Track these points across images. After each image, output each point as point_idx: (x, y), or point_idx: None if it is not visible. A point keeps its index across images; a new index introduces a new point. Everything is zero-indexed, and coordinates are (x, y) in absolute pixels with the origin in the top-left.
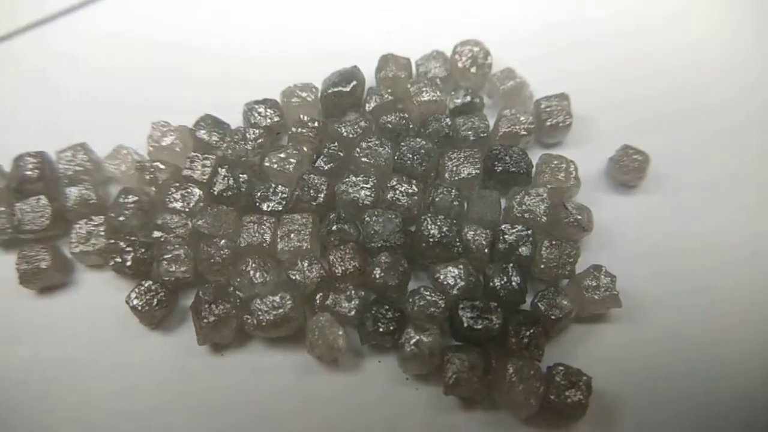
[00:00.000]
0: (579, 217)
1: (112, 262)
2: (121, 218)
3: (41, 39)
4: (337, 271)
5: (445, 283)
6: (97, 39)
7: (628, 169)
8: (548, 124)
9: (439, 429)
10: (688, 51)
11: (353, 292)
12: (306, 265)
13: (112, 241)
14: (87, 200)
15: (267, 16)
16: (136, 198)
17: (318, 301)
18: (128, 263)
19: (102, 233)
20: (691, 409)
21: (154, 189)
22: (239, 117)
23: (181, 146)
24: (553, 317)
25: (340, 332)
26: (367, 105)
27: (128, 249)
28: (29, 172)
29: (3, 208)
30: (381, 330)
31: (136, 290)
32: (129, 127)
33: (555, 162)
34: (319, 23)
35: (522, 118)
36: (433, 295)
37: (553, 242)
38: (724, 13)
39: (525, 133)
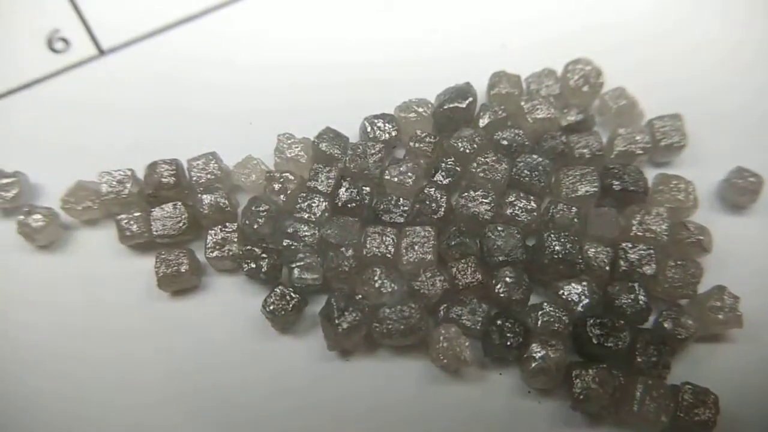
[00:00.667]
0: (701, 237)
1: (246, 268)
2: (255, 226)
3: (165, 45)
4: (459, 283)
5: (569, 299)
6: (224, 42)
7: (743, 191)
8: (662, 144)
9: None
10: None
11: (477, 304)
12: (428, 276)
13: (248, 247)
14: (222, 208)
15: (366, 32)
16: (267, 207)
17: (442, 313)
18: (263, 269)
19: (236, 240)
20: None
21: (283, 198)
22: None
23: (305, 158)
24: (679, 336)
25: (467, 344)
26: (480, 121)
27: (263, 256)
28: (166, 179)
29: (138, 213)
30: (508, 344)
31: (272, 296)
32: (243, 138)
33: (674, 182)
34: (416, 42)
35: (638, 137)
36: (557, 311)
37: (678, 262)
38: None
39: (641, 152)
